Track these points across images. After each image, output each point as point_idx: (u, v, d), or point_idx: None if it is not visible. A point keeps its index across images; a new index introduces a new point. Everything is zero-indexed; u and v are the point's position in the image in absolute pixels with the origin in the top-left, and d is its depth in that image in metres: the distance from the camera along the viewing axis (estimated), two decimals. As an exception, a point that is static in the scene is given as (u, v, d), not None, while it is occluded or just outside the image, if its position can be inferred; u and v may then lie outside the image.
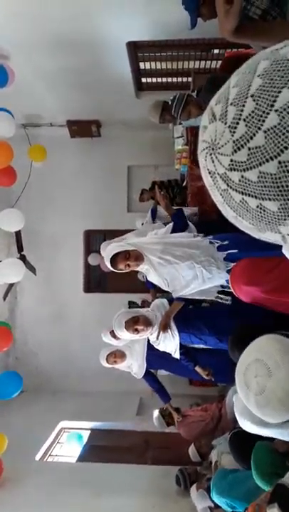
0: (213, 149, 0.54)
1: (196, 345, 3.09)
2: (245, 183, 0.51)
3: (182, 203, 5.04)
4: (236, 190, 0.53)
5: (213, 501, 3.03)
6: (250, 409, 1.71)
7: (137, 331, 2.75)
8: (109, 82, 4.85)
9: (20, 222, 4.46)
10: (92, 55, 4.31)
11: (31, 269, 5.14)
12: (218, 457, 3.56)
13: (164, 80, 5.34)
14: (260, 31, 1.68)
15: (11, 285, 5.38)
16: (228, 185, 0.53)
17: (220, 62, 4.74)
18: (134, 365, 3.66)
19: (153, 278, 2.73)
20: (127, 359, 3.61)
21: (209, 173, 0.56)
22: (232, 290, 1.84)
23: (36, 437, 4.89)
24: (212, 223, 3.21)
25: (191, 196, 4.51)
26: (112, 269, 2.64)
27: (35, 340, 6.25)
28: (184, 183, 5.43)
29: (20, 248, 5.13)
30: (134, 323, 2.75)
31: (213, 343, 2.79)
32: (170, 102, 3.32)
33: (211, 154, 0.55)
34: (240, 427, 2.77)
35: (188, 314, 2.80)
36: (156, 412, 4.38)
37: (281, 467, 1.79)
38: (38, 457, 4.64)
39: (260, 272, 1.71)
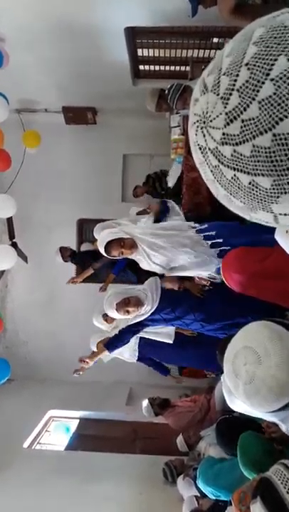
0: (204, 122, 0.51)
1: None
2: (238, 158, 0.49)
3: (175, 193, 5.01)
4: (228, 166, 0.50)
5: (199, 490, 3.06)
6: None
7: (128, 312, 2.77)
8: (106, 69, 4.77)
9: (12, 208, 4.41)
10: (90, 40, 4.23)
11: (23, 257, 5.10)
12: (204, 449, 3.59)
13: (162, 68, 5.27)
14: (258, 13, 1.65)
15: (2, 272, 5.34)
16: (219, 160, 0.50)
17: (219, 51, 4.68)
18: (125, 352, 3.66)
19: (145, 266, 2.74)
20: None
21: (200, 148, 0.53)
22: (223, 278, 1.83)
23: (25, 425, 4.89)
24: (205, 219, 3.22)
25: (185, 187, 4.47)
26: (104, 254, 2.67)
27: (25, 329, 6.22)
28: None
29: (11, 235, 5.08)
30: (125, 305, 2.76)
31: (195, 328, 2.80)
32: (167, 91, 3.27)
33: (202, 128, 0.52)
34: (229, 416, 2.79)
35: (176, 297, 2.80)
36: (145, 402, 4.40)
37: (267, 456, 1.79)
38: (26, 445, 4.64)
39: (252, 260, 1.69)
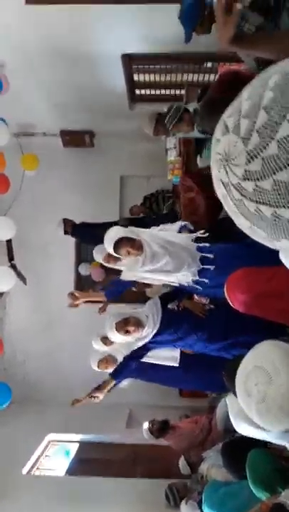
0: (226, 160, 0.55)
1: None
2: (260, 192, 0.53)
3: (170, 213, 5.10)
4: (251, 200, 0.54)
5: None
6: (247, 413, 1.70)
7: (128, 332, 2.75)
8: (104, 93, 4.89)
9: (11, 230, 4.44)
10: (88, 66, 4.36)
11: (22, 278, 5.11)
12: (207, 471, 3.53)
13: (158, 91, 5.40)
14: (258, 41, 1.72)
15: (1, 294, 5.33)
16: (242, 194, 0.54)
17: (212, 75, 4.82)
18: None
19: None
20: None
21: (223, 183, 0.57)
22: (227, 298, 1.85)
23: (23, 450, 4.80)
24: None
25: (183, 207, 4.53)
26: (111, 251, 2.62)
27: (23, 351, 6.16)
28: (170, 194, 5.49)
29: (11, 257, 5.09)
30: (124, 325, 2.75)
31: (198, 348, 2.79)
32: (166, 112, 3.35)
33: (224, 166, 0.56)
34: (233, 437, 2.76)
35: (177, 317, 2.81)
36: (145, 424, 4.36)
37: (277, 473, 1.78)
38: (25, 471, 4.54)
39: (256, 280, 1.72)
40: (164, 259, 2.57)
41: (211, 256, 2.58)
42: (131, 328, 2.75)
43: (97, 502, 3.88)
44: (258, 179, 0.53)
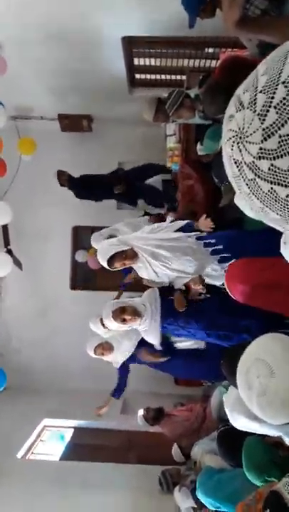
0: (240, 138, 0.52)
1: (184, 339, 3.16)
2: (275, 171, 0.50)
3: (172, 201, 5.04)
4: (265, 180, 0.51)
5: (196, 501, 3.03)
6: (242, 403, 1.70)
7: (124, 320, 2.75)
8: (103, 77, 4.80)
9: (7, 215, 4.39)
10: (87, 49, 4.26)
11: (17, 264, 5.07)
12: (200, 457, 3.56)
13: (158, 76, 5.31)
14: (263, 25, 1.69)
15: (-4, 280, 5.30)
16: (256, 174, 0.51)
17: (214, 61, 4.74)
18: (119, 358, 3.68)
19: (144, 274, 2.75)
20: (114, 352, 3.59)
21: (235, 162, 0.54)
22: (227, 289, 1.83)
23: (18, 435, 4.83)
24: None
25: (181, 195, 4.49)
26: (107, 267, 2.67)
27: (19, 337, 6.15)
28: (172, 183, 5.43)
29: (7, 242, 5.05)
30: (121, 313, 2.75)
31: (200, 337, 2.79)
32: (166, 98, 3.29)
33: (238, 143, 0.53)
34: (228, 426, 2.77)
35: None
36: (140, 411, 4.38)
37: (272, 461, 1.78)
38: (20, 455, 4.58)
39: (256, 270, 1.70)
40: (164, 253, 2.58)
41: (212, 240, 2.56)
42: (127, 317, 2.75)
43: (90, 487, 3.91)
44: (273, 158, 0.50)
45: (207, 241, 2.58)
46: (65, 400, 5.44)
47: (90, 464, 4.36)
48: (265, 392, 1.04)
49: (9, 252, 4.86)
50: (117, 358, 3.69)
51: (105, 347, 3.61)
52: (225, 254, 2.48)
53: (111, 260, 2.61)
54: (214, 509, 2.65)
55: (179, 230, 2.68)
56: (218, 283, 2.57)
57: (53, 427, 5.33)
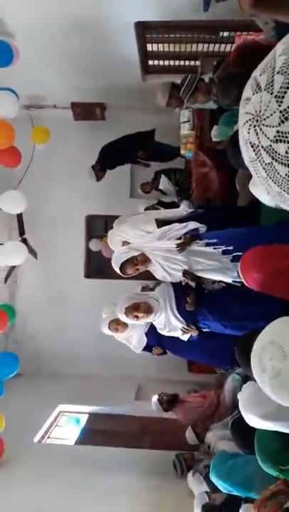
0: (257, 121, 0.51)
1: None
2: None
3: (186, 189, 5.01)
4: (282, 163, 0.51)
5: (210, 484, 3.06)
6: (254, 404, 1.71)
7: (136, 317, 2.79)
8: (116, 64, 4.75)
9: (22, 204, 4.42)
10: (99, 35, 4.22)
11: (32, 252, 5.12)
12: (214, 443, 3.59)
13: (171, 62, 5.24)
14: (280, 4, 1.64)
15: (12, 268, 5.36)
16: (273, 158, 0.51)
17: (228, 45, 4.65)
18: (134, 337, 3.64)
19: (160, 276, 2.84)
20: (128, 329, 3.57)
21: (252, 146, 0.53)
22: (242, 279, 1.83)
23: (35, 420, 4.93)
24: (215, 215, 3.21)
25: (195, 183, 4.45)
26: (120, 273, 2.80)
27: (34, 324, 6.25)
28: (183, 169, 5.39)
29: (22, 231, 5.10)
30: (134, 310, 2.78)
31: (217, 329, 2.80)
32: (180, 83, 3.26)
33: (254, 126, 0.52)
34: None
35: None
36: (154, 397, 4.42)
37: (286, 450, 1.79)
38: (36, 439, 4.68)
39: (270, 258, 1.69)
40: (176, 256, 2.66)
41: (223, 247, 2.58)
42: (140, 315, 2.78)
43: (105, 471, 3.98)
44: None
45: (218, 247, 2.58)
46: (79, 385, 5.52)
47: (105, 449, 4.43)
48: (278, 374, 1.05)
49: (24, 241, 4.91)
50: (131, 337, 3.65)
51: (120, 322, 3.49)
52: (237, 253, 2.47)
53: (123, 267, 2.73)
54: (227, 492, 2.68)
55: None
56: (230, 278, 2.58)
57: (68, 412, 5.42)
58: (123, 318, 2.86)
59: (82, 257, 6.44)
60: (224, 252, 2.56)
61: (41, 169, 5.73)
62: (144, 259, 2.73)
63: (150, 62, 5.18)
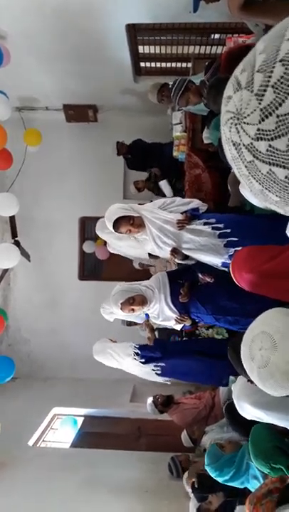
0: (238, 119, 0.52)
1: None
2: (273, 152, 0.49)
3: (178, 191, 5.01)
4: (263, 161, 0.51)
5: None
6: (247, 393, 1.72)
7: (133, 310, 2.78)
8: (108, 66, 4.76)
9: (14, 207, 4.41)
10: (91, 37, 4.22)
11: (25, 255, 5.10)
12: (209, 445, 3.59)
13: (163, 64, 5.26)
14: (267, 9, 1.66)
15: (5, 271, 5.34)
16: (254, 156, 0.51)
17: (220, 47, 4.67)
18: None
19: (148, 248, 2.75)
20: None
21: (234, 144, 0.53)
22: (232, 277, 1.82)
23: (29, 423, 4.90)
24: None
25: (188, 184, 4.46)
26: (112, 229, 2.62)
27: (28, 327, 6.22)
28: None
29: (14, 234, 5.08)
30: (130, 304, 2.76)
31: (209, 321, 2.80)
32: (170, 86, 3.26)
33: (236, 124, 0.52)
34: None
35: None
36: (150, 399, 4.41)
37: (279, 449, 1.80)
38: (31, 443, 4.65)
39: (262, 258, 1.69)
40: (170, 228, 2.59)
41: (220, 225, 2.55)
42: (136, 307, 2.77)
43: (101, 474, 3.97)
44: (271, 139, 0.49)
45: (215, 225, 2.57)
46: (74, 388, 5.51)
47: (100, 451, 4.42)
48: (267, 364, 1.07)
49: (17, 243, 4.89)
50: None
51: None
52: (232, 238, 2.47)
53: (117, 223, 2.55)
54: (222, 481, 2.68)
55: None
56: (219, 262, 2.56)
57: (63, 415, 5.40)
58: (119, 312, 2.84)
59: (76, 259, 6.42)
60: (220, 236, 2.53)
61: (34, 171, 5.73)
62: (140, 224, 2.58)
63: (142, 64, 5.20)
